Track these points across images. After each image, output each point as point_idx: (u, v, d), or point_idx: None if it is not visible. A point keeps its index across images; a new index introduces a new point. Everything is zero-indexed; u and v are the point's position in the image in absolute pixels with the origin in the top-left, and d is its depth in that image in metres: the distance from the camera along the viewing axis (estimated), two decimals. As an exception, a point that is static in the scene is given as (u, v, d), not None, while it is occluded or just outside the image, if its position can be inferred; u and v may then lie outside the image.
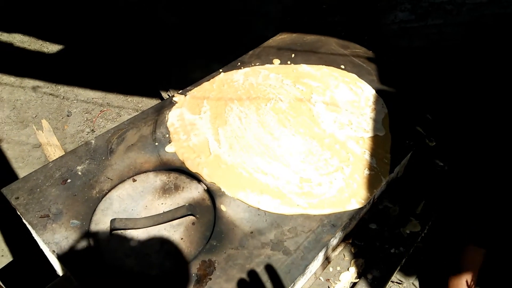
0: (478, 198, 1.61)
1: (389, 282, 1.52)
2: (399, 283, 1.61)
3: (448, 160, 1.72)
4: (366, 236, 1.50)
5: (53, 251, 0.97)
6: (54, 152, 2.13)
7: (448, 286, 1.47)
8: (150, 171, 1.14)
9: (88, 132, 2.27)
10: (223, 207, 1.07)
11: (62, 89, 2.50)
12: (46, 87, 2.51)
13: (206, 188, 1.11)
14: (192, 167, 1.15)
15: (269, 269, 0.97)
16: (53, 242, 0.98)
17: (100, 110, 2.39)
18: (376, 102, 1.42)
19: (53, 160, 1.17)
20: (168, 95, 2.41)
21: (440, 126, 1.48)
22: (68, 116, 2.35)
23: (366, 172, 1.21)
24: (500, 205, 1.57)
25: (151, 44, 2.73)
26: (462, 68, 1.88)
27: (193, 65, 2.51)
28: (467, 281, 1.42)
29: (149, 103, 2.48)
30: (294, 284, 1.01)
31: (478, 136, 1.75)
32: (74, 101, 2.44)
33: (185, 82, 1.54)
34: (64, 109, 2.39)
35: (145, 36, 2.80)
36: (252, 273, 0.96)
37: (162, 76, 2.50)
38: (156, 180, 1.11)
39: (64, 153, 2.12)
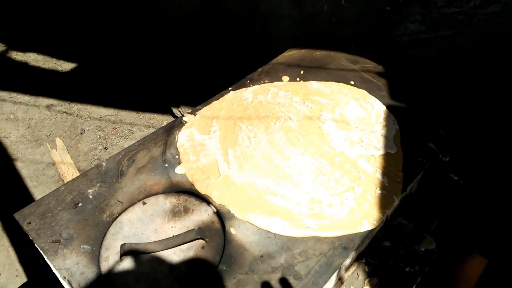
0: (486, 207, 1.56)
1: (405, 301, 1.49)
2: (415, 302, 1.56)
3: (463, 174, 1.68)
4: (380, 254, 1.47)
5: (64, 277, 0.97)
6: (68, 170, 2.15)
7: None
8: (160, 193, 1.14)
9: (101, 150, 2.29)
10: (232, 230, 1.06)
11: (76, 107, 2.55)
12: (60, 105, 2.56)
13: (215, 210, 1.11)
14: (201, 189, 1.15)
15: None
16: (64, 268, 0.99)
17: (112, 127, 2.42)
18: (387, 119, 1.40)
19: (64, 184, 1.18)
20: (180, 112, 2.43)
21: (454, 140, 1.45)
22: (81, 134, 2.38)
23: (378, 191, 1.19)
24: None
25: (163, 61, 2.76)
26: (474, 80, 1.85)
27: (204, 82, 2.53)
28: None
29: (160, 119, 2.50)
30: (306, 308, 0.99)
31: (493, 147, 1.72)
32: (87, 119, 2.47)
33: (196, 99, 1.55)
34: (77, 127, 2.43)
35: (156, 53, 2.83)
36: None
37: (173, 93, 2.53)
38: (166, 202, 1.11)
39: (77, 171, 2.15)
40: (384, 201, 1.17)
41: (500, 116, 1.76)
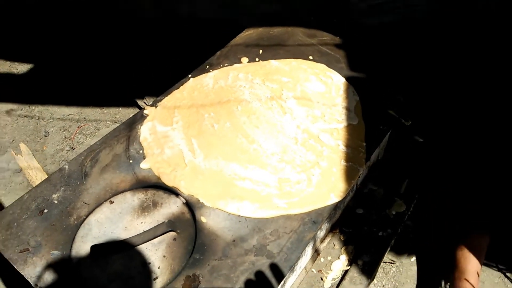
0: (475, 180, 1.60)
1: (382, 263, 1.55)
2: (391, 263, 1.63)
3: (426, 135, 1.73)
4: (353, 222, 1.52)
5: (36, 285, 0.96)
6: (36, 175, 2.10)
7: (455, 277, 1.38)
8: (126, 190, 1.13)
9: (68, 150, 2.24)
10: (203, 219, 1.07)
11: (37, 109, 2.46)
12: (20, 109, 2.46)
13: (184, 201, 1.11)
14: (168, 181, 1.15)
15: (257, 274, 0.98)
16: (35, 276, 0.98)
17: (77, 126, 2.36)
18: (347, 90, 1.42)
19: (27, 192, 1.15)
20: (145, 103, 2.38)
21: (414, 104, 1.49)
22: (45, 136, 2.31)
23: (343, 163, 1.21)
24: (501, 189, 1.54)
25: (123, 53, 2.69)
26: (428, 44, 1.88)
27: (167, 70, 2.48)
28: (477, 273, 1.35)
29: (126, 113, 2.44)
30: (284, 283, 1.02)
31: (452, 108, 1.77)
32: (50, 120, 2.40)
33: (160, 88, 1.52)
34: (41, 129, 2.35)
35: (116, 44, 2.75)
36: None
37: (136, 84, 2.47)
38: (134, 199, 1.11)
39: (46, 174, 2.10)
40: (349, 172, 1.19)
41: (457, 78, 1.81)
